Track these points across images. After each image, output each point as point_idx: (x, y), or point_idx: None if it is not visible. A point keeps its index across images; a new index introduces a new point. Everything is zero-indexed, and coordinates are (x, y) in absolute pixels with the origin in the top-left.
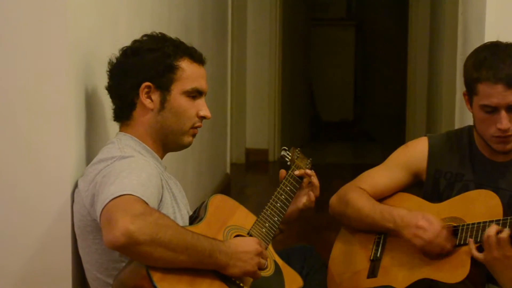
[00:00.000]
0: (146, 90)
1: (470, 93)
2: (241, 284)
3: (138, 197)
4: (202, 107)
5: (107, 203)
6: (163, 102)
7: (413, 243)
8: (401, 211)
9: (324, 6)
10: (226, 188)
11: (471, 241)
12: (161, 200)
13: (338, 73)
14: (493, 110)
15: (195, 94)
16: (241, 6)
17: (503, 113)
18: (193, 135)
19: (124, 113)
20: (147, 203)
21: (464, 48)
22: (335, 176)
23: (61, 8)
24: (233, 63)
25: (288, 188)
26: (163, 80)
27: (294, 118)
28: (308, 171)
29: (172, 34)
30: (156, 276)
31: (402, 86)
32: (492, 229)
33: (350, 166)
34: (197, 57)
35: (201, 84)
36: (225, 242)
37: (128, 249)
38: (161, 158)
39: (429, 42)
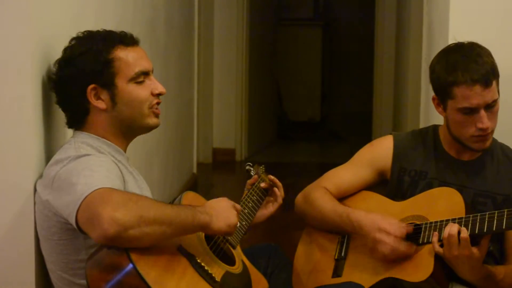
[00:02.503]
0: (93, 92)
1: (444, 97)
2: (213, 275)
3: (109, 187)
4: (153, 85)
5: (80, 204)
6: (113, 98)
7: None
8: (359, 215)
9: (291, 6)
10: (192, 187)
11: (436, 234)
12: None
13: (306, 73)
14: (471, 111)
15: (141, 78)
16: (208, 5)
17: (483, 113)
18: (156, 115)
19: (79, 120)
20: (120, 190)
21: (429, 47)
22: (302, 175)
23: (23, 10)
24: (200, 62)
25: (255, 198)
26: (105, 77)
27: (261, 117)
28: (278, 182)
29: (137, 33)
30: (134, 254)
31: (369, 86)
32: (453, 228)
33: (317, 165)
34: (128, 41)
35: (143, 65)
36: (200, 205)
37: (120, 237)
38: (124, 149)
39: (395, 41)
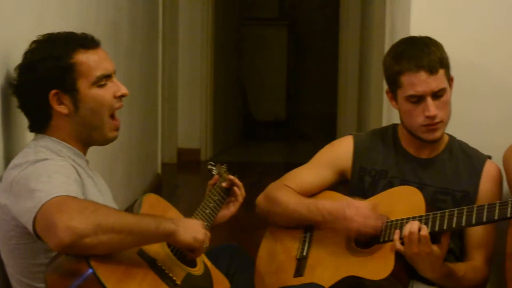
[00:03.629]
0: (55, 98)
1: (394, 87)
2: (174, 278)
3: (66, 195)
4: (116, 87)
5: (37, 212)
6: (75, 103)
7: (347, 233)
8: (325, 204)
9: (256, 6)
10: (157, 188)
11: (397, 232)
12: (84, 194)
13: (271, 72)
14: (419, 99)
15: (103, 81)
16: (172, 6)
17: (429, 100)
18: (117, 129)
19: (42, 124)
20: (77, 198)
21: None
22: (267, 174)
23: None
24: (165, 62)
25: (217, 198)
26: (66, 83)
27: (226, 117)
28: (238, 181)
29: (100, 34)
30: (94, 260)
31: (334, 86)
32: (414, 226)
33: (283, 165)
34: (89, 44)
35: (105, 68)
36: (167, 216)
37: (76, 245)
38: (85, 153)
39: (359, 42)
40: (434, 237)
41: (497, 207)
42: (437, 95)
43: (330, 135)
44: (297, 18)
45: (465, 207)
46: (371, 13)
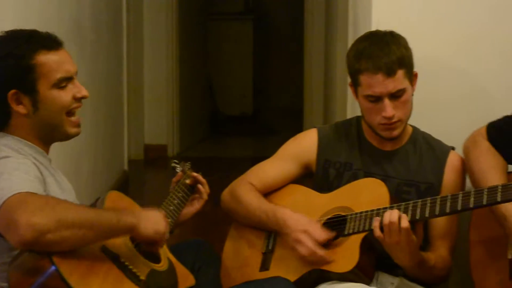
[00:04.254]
0: (14, 97)
1: (355, 84)
2: (138, 273)
3: (27, 192)
4: (76, 89)
5: None
6: (35, 104)
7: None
8: (284, 214)
9: (221, 1)
10: (124, 185)
11: (377, 219)
12: (45, 191)
13: (237, 67)
14: (376, 99)
15: (64, 83)
16: (137, 2)
17: (387, 101)
18: (77, 125)
19: (1, 123)
20: (37, 194)
21: (354, 39)
22: (236, 170)
23: None
24: (130, 59)
25: (181, 194)
26: (26, 83)
27: (193, 113)
28: (201, 178)
29: (62, 32)
30: (56, 257)
31: (300, 80)
32: (394, 215)
33: (251, 159)
34: (51, 45)
35: (66, 70)
36: (128, 210)
37: (38, 242)
38: (47, 151)
39: (324, 35)
40: (411, 225)
41: (473, 196)
42: (395, 95)
43: (297, 129)
44: (263, 12)
45: (438, 197)
46: (335, 7)
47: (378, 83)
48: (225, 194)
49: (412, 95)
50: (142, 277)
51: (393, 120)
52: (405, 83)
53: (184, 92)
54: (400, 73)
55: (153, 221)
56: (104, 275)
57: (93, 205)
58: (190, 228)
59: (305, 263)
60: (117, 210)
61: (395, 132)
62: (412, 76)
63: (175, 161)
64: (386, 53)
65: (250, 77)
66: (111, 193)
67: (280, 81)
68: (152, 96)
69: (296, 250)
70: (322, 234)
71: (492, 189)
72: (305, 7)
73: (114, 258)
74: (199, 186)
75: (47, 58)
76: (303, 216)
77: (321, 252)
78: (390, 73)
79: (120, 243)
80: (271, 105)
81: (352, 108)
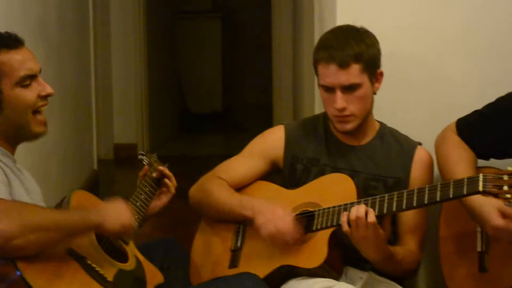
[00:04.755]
0: None
1: (316, 74)
2: (105, 275)
3: None
4: (41, 87)
5: None
6: None
7: (259, 232)
8: (259, 201)
9: None
10: (94, 184)
11: (345, 214)
12: (11, 194)
13: (206, 65)
14: (330, 90)
15: (27, 81)
16: (104, 1)
17: (338, 93)
18: (44, 123)
19: None
20: (2, 199)
21: (320, 35)
22: (205, 168)
23: None
24: (97, 58)
25: (147, 189)
26: None
27: (162, 111)
28: (167, 172)
29: (27, 31)
30: (21, 262)
31: (270, 76)
32: (361, 210)
33: (221, 157)
34: (12, 43)
35: (29, 67)
36: (92, 207)
37: (4, 248)
38: (12, 152)
39: (292, 32)
40: (378, 220)
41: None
42: (348, 88)
43: (267, 126)
44: (230, 10)
45: (404, 190)
46: (302, 4)
47: (331, 74)
48: (193, 189)
49: (375, 93)
50: (109, 279)
51: (345, 113)
52: (361, 79)
53: (153, 91)
54: (355, 67)
55: (118, 215)
56: (70, 279)
57: (59, 205)
58: (161, 226)
59: (273, 258)
60: (81, 209)
61: (348, 126)
62: (374, 74)
63: (142, 153)
64: (343, 46)
65: (220, 74)
66: (76, 192)
67: (249, 78)
68: (121, 95)
69: (261, 231)
70: (292, 222)
71: (458, 182)
72: (272, 4)
73: (80, 260)
74: (166, 180)
75: (7, 57)
76: (278, 205)
77: (291, 235)
78: (343, 65)
79: (87, 244)
80: (241, 103)
81: (320, 104)
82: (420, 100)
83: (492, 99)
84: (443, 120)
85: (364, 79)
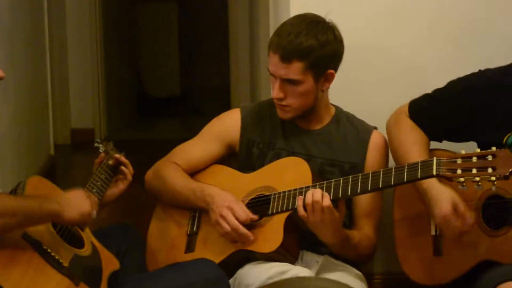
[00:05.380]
0: None
1: None
2: (60, 260)
3: None
4: None
5: None
6: None
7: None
8: (212, 190)
9: None
10: (50, 170)
11: (300, 198)
12: None
13: (164, 49)
14: (273, 76)
15: None
16: None
17: (277, 83)
18: None
19: None
20: None
21: (275, 20)
22: (164, 152)
23: None
24: (53, 41)
25: (104, 176)
26: None
27: (120, 95)
28: (123, 159)
29: None
30: None
31: (227, 60)
32: (317, 194)
33: (179, 141)
34: None
35: None
36: (50, 196)
37: None
38: None
39: (248, 14)
40: (333, 203)
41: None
42: (288, 82)
43: (225, 109)
44: None
45: (359, 174)
46: None
47: (274, 63)
48: (149, 174)
49: (323, 90)
50: (65, 264)
51: (282, 103)
52: (302, 77)
53: (110, 75)
54: (297, 65)
55: (77, 204)
56: (25, 264)
57: (14, 191)
58: (119, 210)
59: (229, 243)
60: (39, 197)
61: (286, 115)
62: (321, 74)
63: (98, 140)
64: (291, 39)
65: (177, 58)
66: (32, 178)
67: (207, 61)
68: (78, 79)
69: (219, 226)
70: (244, 214)
71: (412, 166)
72: None
73: (36, 245)
74: (122, 167)
75: None
76: (230, 194)
77: (242, 230)
78: (284, 59)
79: (42, 229)
80: (199, 86)
81: None
82: (392, 92)
83: (433, 76)
84: (387, 96)
85: (306, 77)
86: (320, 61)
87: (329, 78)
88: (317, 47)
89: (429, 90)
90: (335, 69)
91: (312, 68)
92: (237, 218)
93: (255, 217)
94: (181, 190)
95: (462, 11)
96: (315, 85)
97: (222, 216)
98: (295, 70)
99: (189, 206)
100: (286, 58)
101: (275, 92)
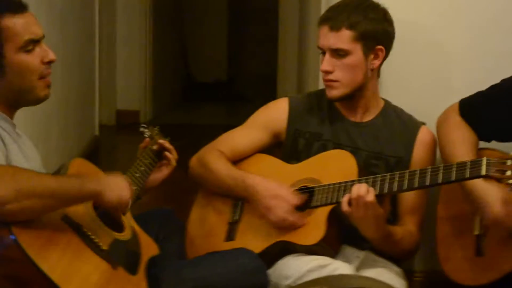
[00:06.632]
0: None
1: None
2: (100, 243)
3: None
4: (44, 53)
5: None
6: (1, 68)
7: (267, 217)
8: (254, 181)
9: None
10: (94, 150)
11: (347, 195)
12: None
13: (212, 33)
14: (324, 53)
15: (30, 46)
16: None
17: (327, 56)
18: (48, 86)
19: None
20: None
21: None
22: (207, 138)
23: None
24: (102, 23)
25: (148, 161)
26: None
27: (166, 78)
28: (168, 145)
29: None
30: (16, 227)
31: (275, 47)
32: (362, 189)
33: (223, 127)
34: (17, 8)
35: (33, 32)
36: (92, 175)
37: None
38: (11, 116)
39: (299, 2)
40: (378, 199)
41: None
42: (337, 53)
43: (271, 97)
44: None
45: (406, 171)
46: None
47: (323, 35)
48: (194, 161)
49: (372, 69)
50: (104, 247)
51: (330, 78)
52: (351, 46)
53: (157, 58)
54: (347, 33)
55: (117, 188)
56: (64, 246)
57: (57, 172)
58: (161, 195)
59: (271, 233)
60: (80, 176)
61: (333, 92)
62: (370, 48)
63: (143, 125)
64: (341, 11)
65: (225, 44)
66: (75, 160)
67: (255, 48)
68: (125, 61)
69: (267, 216)
70: (294, 198)
71: (461, 165)
72: None
73: (76, 227)
74: (166, 153)
75: (12, 22)
76: (272, 181)
77: (293, 217)
78: (333, 27)
79: (83, 212)
80: (246, 72)
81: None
82: (416, 71)
83: (487, 74)
84: (438, 93)
85: (355, 48)
86: (370, 34)
87: (379, 55)
88: (367, 21)
89: (481, 89)
90: (386, 49)
91: (361, 39)
92: (286, 203)
93: (304, 196)
94: (224, 179)
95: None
96: (364, 59)
97: (268, 208)
98: (344, 38)
99: (232, 194)
100: (335, 27)
101: (324, 64)
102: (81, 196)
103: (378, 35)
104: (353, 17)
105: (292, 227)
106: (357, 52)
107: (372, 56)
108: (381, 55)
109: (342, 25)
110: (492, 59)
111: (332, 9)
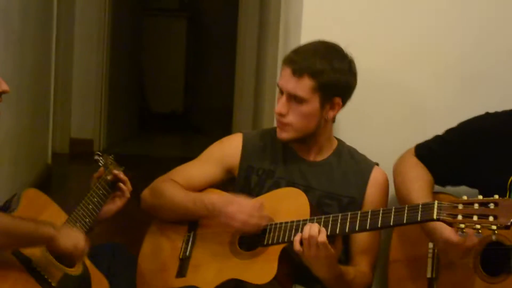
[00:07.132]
0: None
1: None
2: (49, 279)
3: None
4: None
5: None
6: None
7: (230, 229)
8: (212, 198)
9: None
10: (46, 179)
11: (299, 234)
12: None
13: (170, 64)
14: (282, 92)
15: None
16: None
17: (284, 98)
18: None
19: None
20: None
21: (285, 45)
22: (161, 169)
23: None
24: (59, 50)
25: (101, 192)
26: None
27: (122, 108)
28: (122, 176)
29: None
30: None
31: (232, 80)
32: (314, 229)
33: (178, 159)
34: None
35: None
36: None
37: None
38: None
39: (257, 36)
40: (329, 239)
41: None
42: (295, 98)
43: (226, 130)
44: (197, 10)
45: (358, 212)
46: (268, 10)
47: (284, 76)
48: (146, 192)
49: (326, 119)
50: (54, 283)
51: (282, 120)
52: (309, 96)
53: (113, 87)
54: (308, 82)
55: (73, 236)
56: (13, 281)
57: (9, 202)
58: (115, 229)
59: (221, 271)
60: (37, 220)
61: (283, 134)
62: (328, 100)
63: (98, 153)
64: (306, 56)
65: (182, 75)
66: (28, 190)
67: (212, 81)
68: (81, 89)
69: (232, 225)
70: (251, 201)
71: (413, 208)
72: (239, 7)
73: (26, 262)
74: (120, 184)
75: None
76: (228, 197)
77: (254, 218)
78: (295, 72)
79: None
80: (202, 104)
81: None
82: (401, 133)
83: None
84: (395, 135)
85: (313, 97)
86: (330, 86)
87: (335, 107)
88: (330, 71)
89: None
90: (343, 101)
91: (320, 90)
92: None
93: (259, 202)
94: (180, 202)
95: (479, 56)
96: (319, 109)
97: (229, 216)
98: (304, 86)
99: (189, 217)
100: (298, 72)
101: (279, 106)
102: (35, 239)
103: (339, 87)
104: (318, 65)
105: (257, 229)
106: (314, 102)
107: (328, 107)
108: (338, 107)
109: (305, 72)
110: (450, 106)
111: (299, 52)
